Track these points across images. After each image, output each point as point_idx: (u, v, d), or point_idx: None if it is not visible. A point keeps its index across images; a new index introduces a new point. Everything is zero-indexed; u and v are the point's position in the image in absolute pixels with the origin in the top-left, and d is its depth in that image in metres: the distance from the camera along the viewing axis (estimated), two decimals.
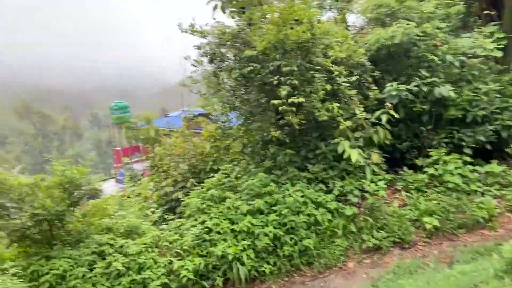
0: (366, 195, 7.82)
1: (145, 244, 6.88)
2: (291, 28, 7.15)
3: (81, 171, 7.52)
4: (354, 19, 12.26)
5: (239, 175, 9.12)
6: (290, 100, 6.99)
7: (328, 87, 7.58)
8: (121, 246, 6.82)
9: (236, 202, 7.70)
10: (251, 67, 7.59)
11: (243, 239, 6.86)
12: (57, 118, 65.02)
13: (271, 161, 8.54)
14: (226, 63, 8.24)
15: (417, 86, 8.57)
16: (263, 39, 7.33)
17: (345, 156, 7.77)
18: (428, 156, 8.73)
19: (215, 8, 9.75)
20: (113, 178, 29.83)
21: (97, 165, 64.57)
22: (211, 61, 8.21)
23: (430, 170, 8.37)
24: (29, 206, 7.33)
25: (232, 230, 7.00)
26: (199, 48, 8.24)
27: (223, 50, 8.36)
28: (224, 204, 7.67)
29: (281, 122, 7.91)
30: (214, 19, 8.73)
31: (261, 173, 8.26)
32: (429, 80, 8.58)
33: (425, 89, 8.52)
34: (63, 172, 7.49)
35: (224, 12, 9.75)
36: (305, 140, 8.62)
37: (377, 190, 7.83)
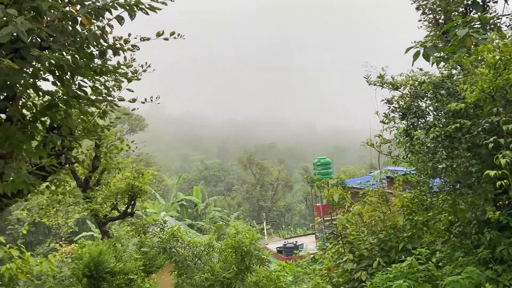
0: None
1: None
2: None
3: (251, 236, 7.01)
4: None
5: (441, 263, 7.01)
6: None
7: None
8: None
9: None
10: (458, 124, 5.77)
11: None
12: (273, 170, 71.05)
13: (488, 251, 6.20)
14: (423, 119, 6.61)
15: None
16: (475, 88, 5.50)
17: None
18: None
19: (417, 56, 8.30)
20: (313, 233, 29.66)
21: (306, 217, 66.80)
22: (403, 117, 6.74)
23: None
24: (205, 266, 7.16)
25: None
26: (389, 102, 6.93)
27: (420, 103, 6.81)
28: None
29: (503, 198, 5.67)
30: (412, 70, 7.31)
31: (472, 266, 6.05)
32: None
33: None
34: (235, 235, 7.14)
35: (427, 60, 8.19)
36: None
37: None
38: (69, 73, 4.31)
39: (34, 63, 3.76)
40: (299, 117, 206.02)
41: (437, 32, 8.09)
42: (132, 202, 12.01)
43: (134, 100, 4.93)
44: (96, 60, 4.80)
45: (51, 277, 8.88)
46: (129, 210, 12.08)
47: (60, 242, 23.67)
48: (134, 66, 5.61)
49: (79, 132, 6.38)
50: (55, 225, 32.87)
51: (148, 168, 13.08)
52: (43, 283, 9.19)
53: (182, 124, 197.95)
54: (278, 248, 27.30)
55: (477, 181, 6.14)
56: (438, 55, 8.19)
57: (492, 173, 4.95)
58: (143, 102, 5.13)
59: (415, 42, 8.98)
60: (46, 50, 3.66)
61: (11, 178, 4.18)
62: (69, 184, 11.63)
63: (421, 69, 7.51)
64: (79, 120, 6.46)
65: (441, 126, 6.18)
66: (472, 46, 6.72)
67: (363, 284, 7.10)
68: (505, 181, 4.92)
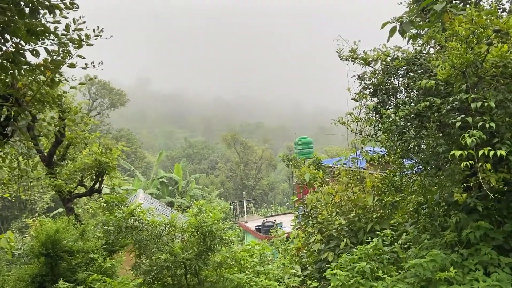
0: None
1: None
2: (489, 45, 4.80)
3: (214, 216, 6.71)
4: None
5: (407, 245, 6.86)
6: (481, 152, 4.57)
7: None
8: None
9: (395, 287, 5.60)
10: (427, 102, 5.49)
11: None
12: (257, 149, 70.85)
13: (454, 234, 6.04)
14: (394, 97, 6.31)
15: None
16: (445, 63, 5.19)
17: None
18: None
19: (393, 32, 7.94)
20: (289, 213, 29.74)
21: (289, 196, 67.14)
22: (374, 95, 6.43)
23: None
24: (165, 247, 6.86)
25: None
26: (360, 78, 6.60)
27: (392, 80, 6.49)
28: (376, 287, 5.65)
29: (471, 180, 5.45)
30: (385, 45, 6.95)
31: (437, 249, 5.89)
32: None
33: None
34: (197, 215, 6.83)
35: (403, 36, 7.85)
36: (511, 209, 5.81)
37: None
38: None
39: None
40: (286, 97, 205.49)
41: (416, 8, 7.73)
42: (100, 178, 11.59)
43: (73, 65, 4.47)
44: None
45: (10, 254, 8.49)
46: (96, 187, 11.68)
47: (34, 218, 23.11)
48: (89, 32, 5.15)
49: (27, 102, 5.92)
50: (31, 200, 32.31)
51: (117, 144, 12.62)
52: None
53: (168, 101, 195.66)
54: (256, 227, 27.30)
55: (446, 162, 5.92)
56: (415, 32, 7.86)
57: (458, 153, 4.69)
58: (84, 68, 4.68)
59: (393, 18, 8.62)
60: None
61: None
62: (32, 159, 11.11)
63: (399, 47, 7.18)
64: (26, 89, 5.98)
65: (411, 104, 5.89)
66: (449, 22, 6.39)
67: (328, 265, 6.92)
68: (470, 161, 4.67)
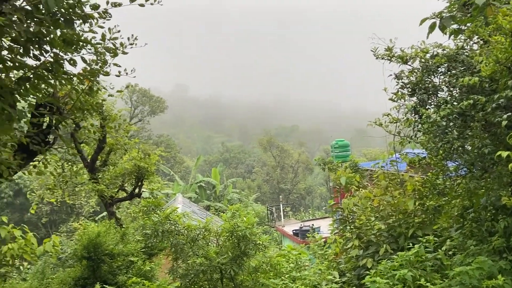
0: None
1: None
2: None
3: (248, 220, 6.67)
4: None
5: (451, 252, 6.52)
6: None
7: None
8: None
9: None
10: (471, 101, 5.20)
11: None
12: (293, 152, 70.46)
13: (502, 239, 5.67)
14: (435, 96, 6.03)
15: None
16: (490, 59, 4.90)
17: None
18: None
19: (432, 28, 7.63)
20: (327, 217, 29.25)
21: (327, 200, 66.22)
22: (412, 94, 6.18)
23: None
24: (200, 251, 6.90)
25: None
26: (397, 77, 6.36)
27: (432, 78, 6.21)
28: None
29: None
30: (424, 42, 6.68)
31: (484, 256, 5.55)
32: None
33: None
34: (231, 219, 6.82)
35: (444, 32, 7.52)
36: None
37: None
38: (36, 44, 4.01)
39: None
40: (322, 99, 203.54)
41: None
42: (139, 183, 11.88)
43: (107, 73, 4.58)
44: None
45: (55, 257, 8.84)
46: (136, 191, 11.97)
47: (81, 222, 24.06)
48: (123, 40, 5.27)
49: (68, 111, 6.13)
50: (78, 204, 33.65)
51: (155, 149, 12.90)
52: (45, 263, 9.20)
53: (205, 106, 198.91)
54: (294, 231, 27.05)
55: (492, 163, 5.57)
56: (456, 27, 7.50)
57: (505, 154, 4.40)
58: (117, 76, 4.78)
59: (433, 13, 8.28)
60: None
61: None
62: (76, 165, 11.55)
63: (440, 44, 6.88)
64: (67, 98, 6.20)
65: (453, 103, 5.61)
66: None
67: (367, 272, 6.70)
68: None
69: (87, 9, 4.18)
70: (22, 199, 35.56)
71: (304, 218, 39.68)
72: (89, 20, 4.09)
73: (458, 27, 7.41)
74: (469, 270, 5.34)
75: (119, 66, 5.36)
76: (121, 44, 5.16)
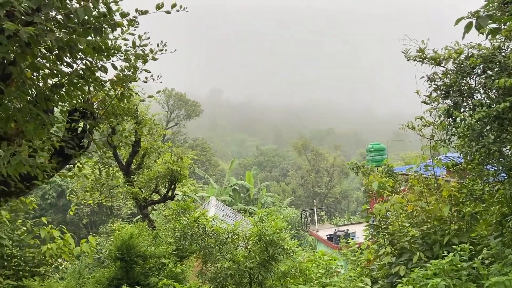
0: None
1: None
2: None
3: (276, 225, 6.65)
4: None
5: (488, 261, 6.21)
6: None
7: None
8: None
9: None
10: (508, 103, 4.95)
11: None
12: (328, 156, 69.61)
13: None
14: (470, 98, 5.79)
15: None
16: None
17: None
18: None
19: (469, 28, 7.33)
20: (362, 222, 28.60)
21: (362, 204, 64.85)
22: (446, 96, 5.96)
23: None
24: (228, 255, 6.95)
25: None
26: (430, 79, 6.16)
27: (467, 80, 5.97)
28: None
29: None
30: (457, 43, 6.42)
31: None
32: None
33: None
34: (259, 223, 6.82)
35: (480, 32, 7.21)
36: None
37: None
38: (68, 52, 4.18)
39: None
40: (358, 102, 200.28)
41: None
42: (172, 186, 12.12)
43: (135, 79, 4.70)
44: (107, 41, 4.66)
45: (91, 257, 9.14)
46: (169, 194, 12.22)
47: (117, 223, 24.82)
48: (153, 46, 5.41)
49: (101, 116, 6.35)
50: (116, 206, 34.73)
51: (187, 153, 13.12)
52: (81, 263, 9.54)
53: (240, 110, 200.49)
54: (328, 236, 26.67)
55: None
56: (494, 26, 7.18)
57: None
58: (144, 81, 4.90)
59: (469, 12, 7.98)
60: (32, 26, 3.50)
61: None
62: (113, 168, 11.93)
63: (475, 44, 6.61)
64: (100, 104, 6.44)
65: (489, 105, 5.36)
66: None
67: (400, 280, 6.50)
68: None
69: (117, 17, 4.33)
70: (64, 200, 37.08)
71: (339, 223, 39.02)
72: (119, 28, 4.22)
73: (496, 26, 7.09)
74: (506, 280, 5.08)
75: (149, 72, 5.51)
76: (151, 51, 5.30)
